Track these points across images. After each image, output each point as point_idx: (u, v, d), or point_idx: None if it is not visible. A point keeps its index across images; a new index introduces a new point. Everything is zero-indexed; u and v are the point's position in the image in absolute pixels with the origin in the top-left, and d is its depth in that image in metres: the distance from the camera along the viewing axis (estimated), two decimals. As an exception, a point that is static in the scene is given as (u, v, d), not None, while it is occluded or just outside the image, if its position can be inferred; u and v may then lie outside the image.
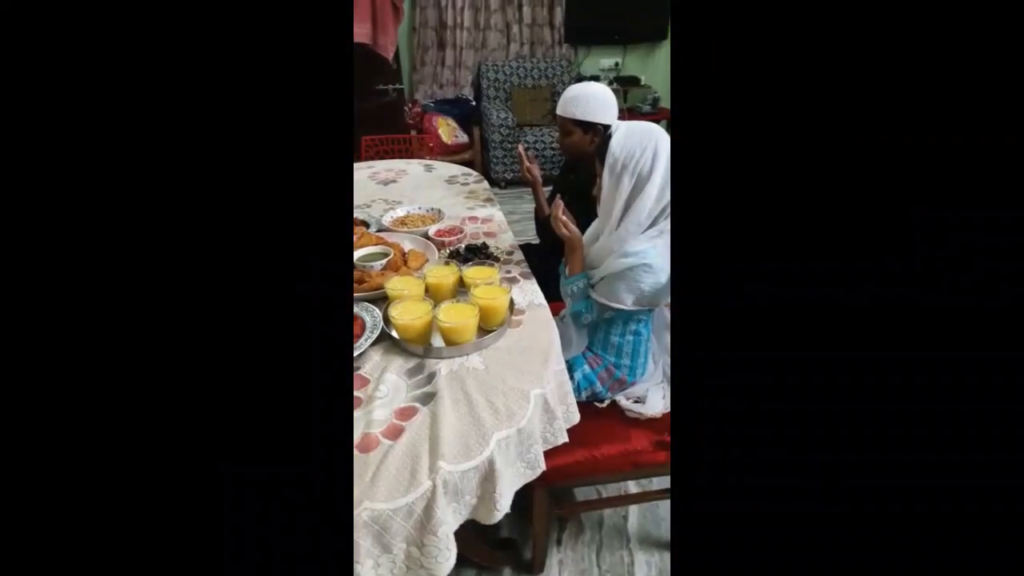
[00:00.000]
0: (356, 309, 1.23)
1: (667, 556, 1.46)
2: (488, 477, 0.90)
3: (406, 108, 4.09)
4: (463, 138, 4.13)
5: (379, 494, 0.82)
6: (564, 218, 1.32)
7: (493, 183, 3.61)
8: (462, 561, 1.08)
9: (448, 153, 3.86)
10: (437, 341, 1.16)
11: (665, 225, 1.24)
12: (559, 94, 1.83)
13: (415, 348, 1.13)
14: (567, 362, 1.23)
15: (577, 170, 1.75)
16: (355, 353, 1.11)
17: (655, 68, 4.62)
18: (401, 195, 2.07)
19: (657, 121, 3.70)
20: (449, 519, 0.86)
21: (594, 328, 1.36)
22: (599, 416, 1.33)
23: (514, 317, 1.24)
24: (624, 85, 4.38)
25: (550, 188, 1.93)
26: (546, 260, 1.58)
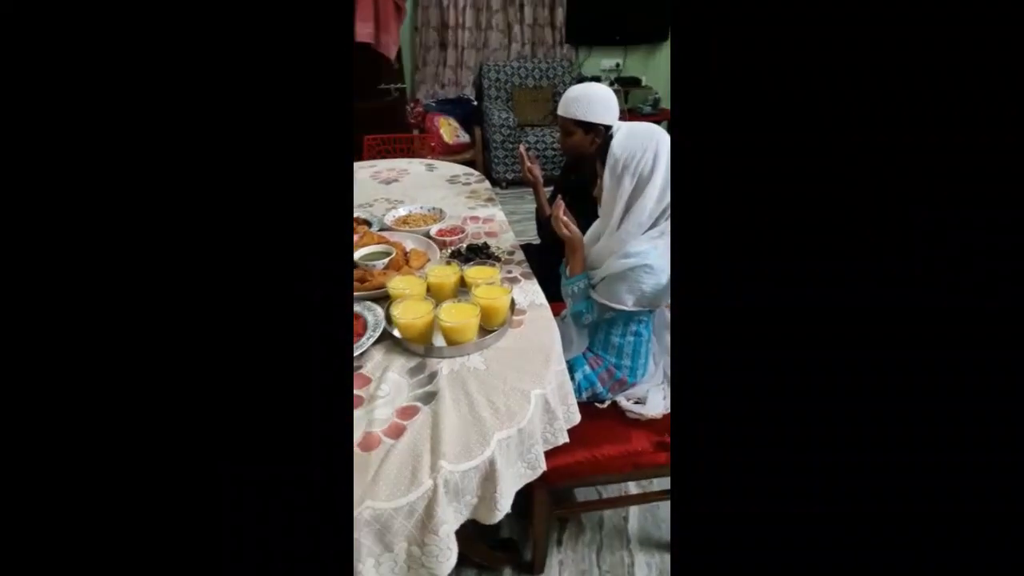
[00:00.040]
0: (358, 308, 1.23)
1: (667, 557, 1.46)
2: (489, 477, 0.91)
3: (408, 108, 4.10)
4: (464, 138, 4.13)
5: (381, 493, 0.82)
6: (565, 218, 1.32)
7: (494, 183, 3.61)
8: (463, 561, 1.08)
9: (450, 153, 3.86)
10: (438, 340, 1.16)
11: (666, 226, 1.24)
12: (560, 94, 1.83)
13: (416, 347, 1.13)
14: (568, 362, 1.23)
15: (578, 170, 1.75)
16: (357, 352, 1.11)
17: (656, 69, 4.61)
18: (403, 194, 2.07)
19: (658, 122, 3.69)
20: (450, 518, 0.86)
21: (595, 329, 1.36)
22: (600, 417, 1.33)
23: (515, 317, 1.24)
24: (625, 86, 4.38)
25: (551, 188, 1.93)
26: (547, 260, 1.58)
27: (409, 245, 1.58)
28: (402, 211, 1.83)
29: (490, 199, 2.02)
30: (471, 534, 1.27)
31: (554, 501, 1.43)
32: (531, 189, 1.90)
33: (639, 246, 1.22)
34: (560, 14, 4.31)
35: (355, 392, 1.02)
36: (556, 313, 1.33)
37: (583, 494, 1.64)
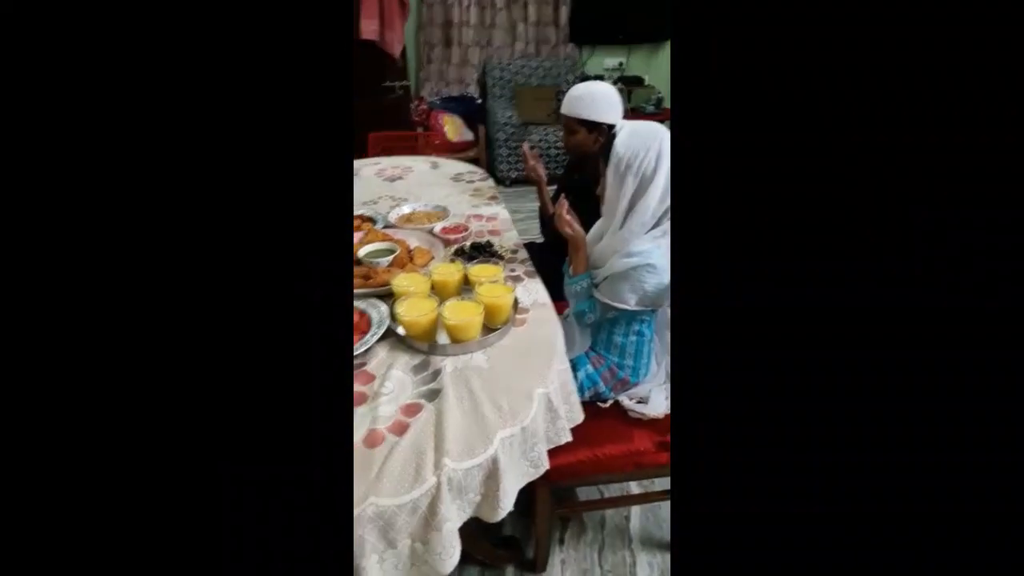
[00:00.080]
0: (362, 305, 1.24)
1: (669, 557, 1.46)
2: (492, 475, 0.91)
3: (412, 105, 4.10)
4: (468, 136, 4.13)
5: (384, 489, 0.82)
6: (568, 217, 1.32)
7: (498, 181, 3.61)
8: (465, 558, 1.08)
9: (453, 151, 3.86)
10: (442, 338, 1.16)
11: (669, 225, 1.23)
12: (563, 93, 1.82)
13: (420, 345, 1.14)
14: (570, 361, 1.24)
15: (581, 169, 1.75)
16: (361, 349, 1.11)
17: (658, 68, 4.60)
18: (407, 192, 2.07)
19: (661, 121, 3.68)
20: (453, 516, 0.86)
21: (597, 328, 1.36)
22: (602, 416, 1.33)
23: (518, 316, 1.24)
24: (628, 85, 4.36)
25: (554, 187, 1.93)
26: (550, 259, 1.58)
27: (413, 243, 1.58)
28: (406, 208, 1.84)
29: (494, 197, 2.02)
30: (474, 532, 1.27)
31: (556, 500, 1.43)
32: (535, 187, 1.90)
33: (642, 245, 1.22)
34: (564, 13, 4.30)
35: (359, 389, 1.03)
36: (559, 312, 1.33)
37: (585, 493, 1.64)
